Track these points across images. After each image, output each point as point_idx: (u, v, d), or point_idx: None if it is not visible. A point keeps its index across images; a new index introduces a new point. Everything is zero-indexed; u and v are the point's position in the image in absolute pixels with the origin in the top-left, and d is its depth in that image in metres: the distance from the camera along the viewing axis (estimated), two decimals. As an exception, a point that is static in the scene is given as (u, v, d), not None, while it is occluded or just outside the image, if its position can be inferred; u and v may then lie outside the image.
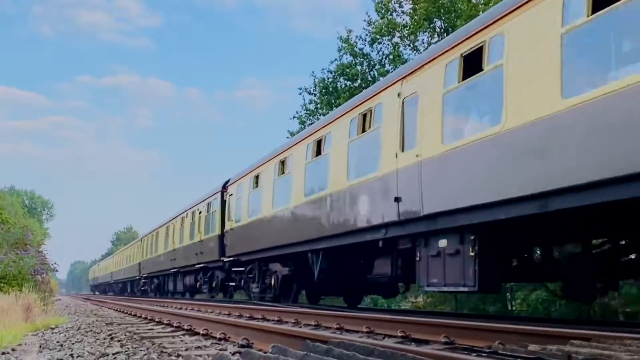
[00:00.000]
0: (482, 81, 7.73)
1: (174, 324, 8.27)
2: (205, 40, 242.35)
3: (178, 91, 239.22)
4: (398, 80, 9.64)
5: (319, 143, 12.50)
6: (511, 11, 7.25)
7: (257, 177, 16.59)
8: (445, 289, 8.51)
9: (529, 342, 4.73)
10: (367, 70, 23.58)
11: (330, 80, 24.12)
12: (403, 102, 9.37)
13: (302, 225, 13.04)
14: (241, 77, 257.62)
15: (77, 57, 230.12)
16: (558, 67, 6.40)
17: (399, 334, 6.56)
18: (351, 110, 11.19)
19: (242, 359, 4.32)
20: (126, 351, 5.60)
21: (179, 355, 5.06)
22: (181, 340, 6.48)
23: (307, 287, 15.22)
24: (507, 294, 15.19)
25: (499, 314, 13.18)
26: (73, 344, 6.58)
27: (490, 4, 15.64)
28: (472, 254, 7.81)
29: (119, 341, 6.62)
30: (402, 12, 22.33)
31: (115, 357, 5.22)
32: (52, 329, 9.16)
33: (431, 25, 21.10)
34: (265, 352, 4.42)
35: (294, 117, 25.57)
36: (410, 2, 21.68)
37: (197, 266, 22.73)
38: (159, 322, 9.30)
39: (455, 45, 8.18)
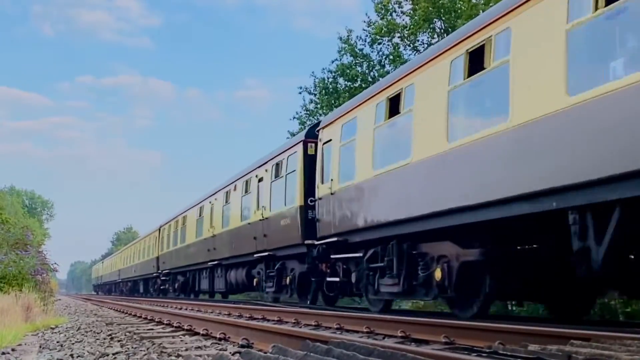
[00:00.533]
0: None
1: (174, 324, 8.27)
2: (205, 40, 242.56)
3: (178, 91, 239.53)
4: None
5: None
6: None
7: (393, 99, 10.01)
8: None
9: (529, 342, 4.72)
10: (367, 71, 23.59)
11: (330, 80, 24.14)
12: None
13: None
14: (241, 77, 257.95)
15: (77, 57, 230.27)
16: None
17: (399, 334, 6.56)
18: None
19: (242, 359, 4.32)
20: (126, 351, 5.60)
21: (179, 355, 5.06)
22: (181, 340, 6.48)
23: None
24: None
25: (499, 314, 13.16)
26: (73, 344, 6.58)
27: (491, 4, 15.64)
28: None
29: (119, 341, 6.62)
30: (402, 12, 22.34)
31: (115, 357, 5.22)
32: (52, 329, 9.16)
33: (431, 26, 21.09)
34: (265, 352, 4.42)
35: (294, 118, 25.62)
36: (410, 2, 21.68)
37: (255, 256, 16.57)
38: (159, 322, 9.30)
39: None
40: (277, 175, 15.42)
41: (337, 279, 12.48)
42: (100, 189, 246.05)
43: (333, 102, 23.05)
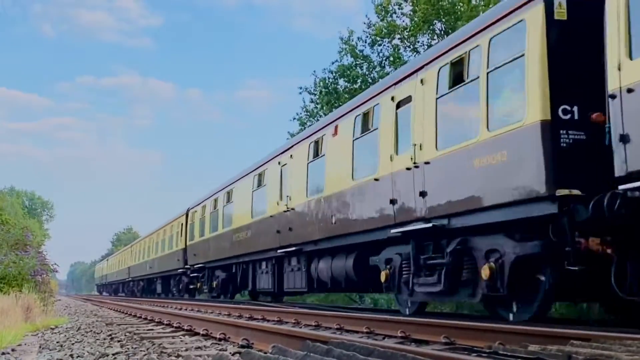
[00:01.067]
0: None
1: (174, 324, 8.27)
2: (205, 40, 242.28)
3: (178, 92, 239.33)
4: None
5: None
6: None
7: None
8: None
9: (529, 342, 4.73)
10: (367, 73, 23.61)
11: (330, 80, 24.15)
12: None
13: None
14: (242, 77, 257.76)
15: (77, 57, 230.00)
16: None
17: (399, 334, 6.56)
18: None
19: (242, 359, 4.32)
20: (126, 351, 5.61)
21: (178, 356, 5.06)
22: (181, 341, 6.48)
23: None
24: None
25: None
26: (73, 344, 6.58)
27: (490, 5, 15.67)
28: None
29: (118, 341, 6.62)
30: (402, 14, 22.37)
31: (115, 358, 5.22)
32: (52, 329, 9.16)
33: (431, 27, 21.12)
34: (265, 353, 4.43)
35: (294, 119, 25.62)
36: (410, 4, 21.70)
37: (392, 232, 9.50)
38: (159, 323, 9.30)
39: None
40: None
41: None
42: (100, 189, 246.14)
43: (333, 102, 23.07)
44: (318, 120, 21.97)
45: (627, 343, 4.43)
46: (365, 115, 10.84)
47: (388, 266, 9.83)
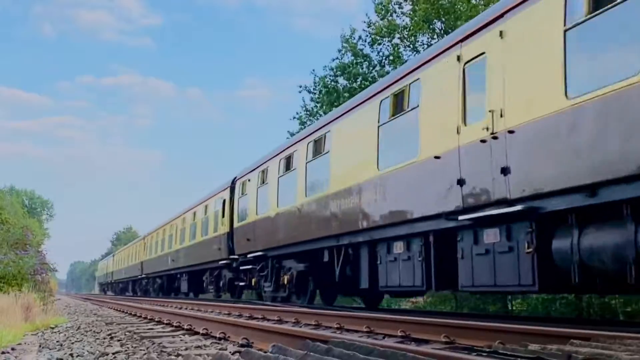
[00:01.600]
0: None
1: (174, 324, 8.27)
2: (206, 40, 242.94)
3: (179, 91, 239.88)
4: None
5: None
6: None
7: None
8: None
9: (529, 342, 4.73)
10: (367, 71, 23.61)
11: (330, 79, 24.15)
12: None
13: None
14: (242, 77, 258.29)
15: (77, 57, 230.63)
16: None
17: (399, 334, 6.56)
18: None
19: (242, 358, 4.32)
20: (126, 351, 5.61)
21: (178, 355, 5.06)
22: (181, 340, 6.48)
23: None
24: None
25: (499, 313, 13.18)
26: (73, 343, 6.58)
27: (490, 4, 15.64)
28: None
29: (118, 341, 6.62)
30: (402, 13, 22.37)
31: (115, 357, 5.21)
32: (52, 328, 9.16)
33: (431, 27, 21.12)
34: (265, 352, 4.42)
35: (294, 118, 25.61)
36: (410, 3, 21.71)
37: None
38: (159, 322, 9.30)
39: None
40: None
41: None
42: (100, 189, 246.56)
43: (333, 101, 23.06)
44: (318, 120, 21.92)
45: (627, 342, 4.43)
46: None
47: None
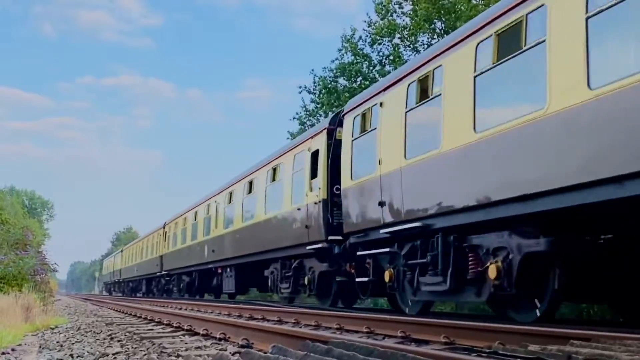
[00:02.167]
0: None
1: (174, 324, 8.26)
2: (206, 40, 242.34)
3: (179, 92, 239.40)
4: None
5: None
6: None
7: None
8: None
9: (529, 342, 4.72)
10: (367, 71, 23.62)
11: (330, 79, 24.15)
12: None
13: None
14: (242, 77, 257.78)
15: (77, 57, 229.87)
16: None
17: (399, 334, 6.56)
18: None
19: (242, 359, 4.32)
20: (126, 351, 5.60)
21: (178, 356, 5.06)
22: (181, 341, 6.48)
23: None
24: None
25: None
26: (73, 344, 6.58)
27: (490, 4, 15.63)
28: None
29: (118, 341, 6.62)
30: (402, 13, 22.38)
31: (115, 357, 5.21)
32: (52, 329, 9.16)
33: (431, 27, 21.12)
34: (265, 352, 4.42)
35: (293, 118, 25.63)
36: (411, 3, 21.71)
37: None
38: (159, 322, 9.30)
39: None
40: None
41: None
42: (100, 189, 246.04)
43: (333, 101, 23.06)
44: (318, 120, 21.90)
45: (627, 343, 4.42)
46: None
47: None
